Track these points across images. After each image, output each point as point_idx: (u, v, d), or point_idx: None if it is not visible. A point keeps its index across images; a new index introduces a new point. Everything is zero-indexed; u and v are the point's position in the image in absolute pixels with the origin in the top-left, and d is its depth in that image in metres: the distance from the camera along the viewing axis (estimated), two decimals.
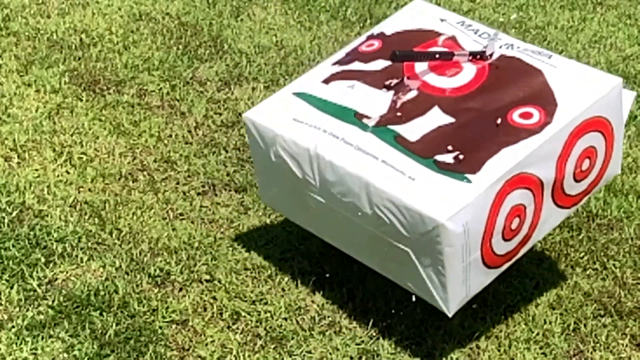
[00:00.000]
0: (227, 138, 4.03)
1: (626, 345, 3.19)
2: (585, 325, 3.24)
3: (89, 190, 3.59)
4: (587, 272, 3.50)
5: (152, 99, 4.26)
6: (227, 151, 3.95)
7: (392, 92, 2.98)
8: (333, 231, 3.03)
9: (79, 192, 3.57)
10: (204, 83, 4.44)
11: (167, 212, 3.53)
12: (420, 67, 3.04)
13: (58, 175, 3.64)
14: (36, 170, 3.66)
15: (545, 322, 3.23)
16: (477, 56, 3.03)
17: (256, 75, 4.55)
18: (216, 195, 3.68)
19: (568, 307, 3.32)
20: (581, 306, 3.33)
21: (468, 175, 2.70)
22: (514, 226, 2.81)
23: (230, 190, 3.71)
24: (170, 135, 4.01)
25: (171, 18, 5.01)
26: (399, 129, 2.86)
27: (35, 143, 3.82)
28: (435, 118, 2.89)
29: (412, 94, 2.97)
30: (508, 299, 3.32)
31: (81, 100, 4.17)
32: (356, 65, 3.12)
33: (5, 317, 2.96)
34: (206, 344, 2.96)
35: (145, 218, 3.47)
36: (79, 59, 4.50)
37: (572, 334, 3.21)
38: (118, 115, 4.09)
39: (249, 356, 2.94)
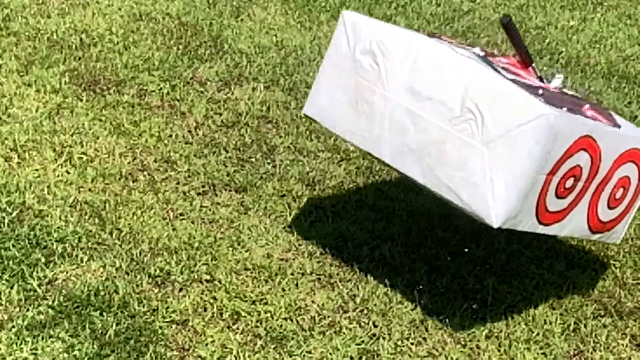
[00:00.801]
0: (227, 138, 4.04)
1: (626, 345, 3.19)
2: (585, 325, 3.24)
3: (89, 190, 3.59)
4: (587, 272, 3.50)
5: (152, 99, 4.26)
6: (227, 151, 3.95)
7: (483, 53, 3.19)
8: (387, 137, 3.08)
9: (79, 192, 3.57)
10: (204, 83, 4.44)
11: (167, 212, 3.53)
12: (500, 62, 3.25)
13: (58, 175, 3.64)
14: (36, 170, 3.66)
15: (545, 322, 3.23)
16: (542, 80, 3.24)
17: (256, 75, 4.55)
18: (216, 195, 3.68)
19: (568, 307, 3.32)
20: (581, 306, 3.33)
21: (562, 110, 2.87)
22: (567, 185, 2.93)
23: (230, 190, 3.71)
24: (171, 135, 4.01)
25: (171, 18, 5.01)
26: (495, 66, 3.07)
27: (36, 143, 3.82)
28: (523, 79, 3.10)
29: (501, 63, 3.19)
30: (508, 299, 3.32)
31: (81, 100, 4.17)
32: (442, 40, 3.31)
33: (5, 317, 2.96)
34: (206, 344, 2.96)
35: (145, 218, 3.47)
36: (79, 59, 4.50)
37: (572, 334, 3.21)
38: (118, 115, 4.09)
39: (249, 356, 2.94)
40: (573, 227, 3.08)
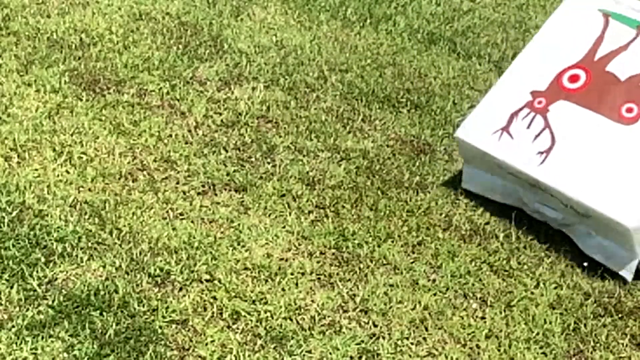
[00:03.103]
0: (227, 138, 4.04)
1: (626, 345, 3.19)
2: (585, 325, 3.24)
3: (89, 190, 3.59)
4: (587, 272, 3.50)
5: (152, 98, 4.26)
6: (227, 151, 3.95)
7: None
8: None
9: (79, 192, 3.57)
10: (204, 83, 4.44)
11: (167, 212, 3.53)
12: None
13: (58, 175, 3.64)
14: (36, 170, 3.66)
15: (545, 322, 3.23)
16: None
17: (256, 75, 4.55)
18: (216, 195, 3.68)
19: (568, 307, 3.32)
20: (581, 306, 3.33)
21: None
22: None
23: (230, 190, 3.71)
24: (170, 135, 4.01)
25: (171, 18, 5.01)
26: None
27: (35, 143, 3.82)
28: None
29: None
30: (508, 299, 3.32)
31: (81, 100, 4.17)
32: None
33: (5, 317, 2.96)
34: (206, 344, 2.96)
35: (145, 218, 3.47)
36: (79, 58, 4.50)
37: (572, 334, 3.21)
38: (118, 115, 4.09)
39: (249, 356, 2.94)
40: None
